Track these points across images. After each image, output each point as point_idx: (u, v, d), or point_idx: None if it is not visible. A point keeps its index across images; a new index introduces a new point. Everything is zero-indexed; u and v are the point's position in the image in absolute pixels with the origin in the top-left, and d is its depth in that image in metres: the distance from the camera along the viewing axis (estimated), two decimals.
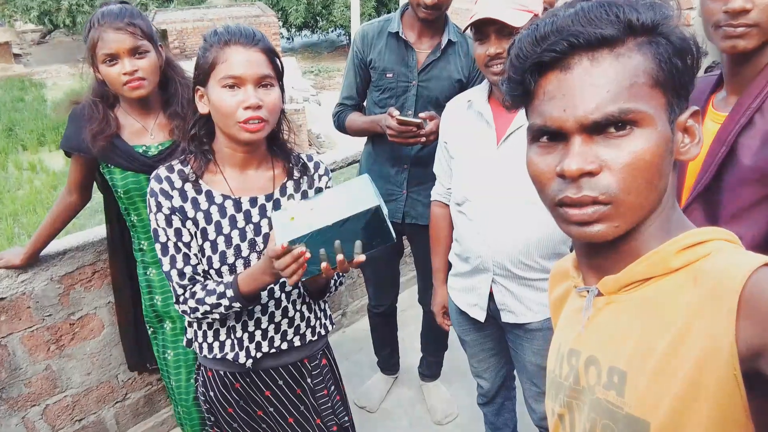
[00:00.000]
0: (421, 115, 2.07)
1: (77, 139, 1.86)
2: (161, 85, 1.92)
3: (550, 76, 0.74)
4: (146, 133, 1.90)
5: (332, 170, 3.10)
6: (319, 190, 1.58)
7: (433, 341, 2.86)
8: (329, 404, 1.71)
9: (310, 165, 1.59)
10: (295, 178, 1.56)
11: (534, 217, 1.63)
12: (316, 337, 1.65)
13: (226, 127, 1.39)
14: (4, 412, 2.21)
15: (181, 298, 1.47)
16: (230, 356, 1.56)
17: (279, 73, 1.44)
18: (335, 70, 20.56)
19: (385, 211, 1.28)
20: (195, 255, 1.48)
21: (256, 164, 1.51)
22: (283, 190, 1.54)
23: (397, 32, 2.20)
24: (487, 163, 1.74)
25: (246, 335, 1.55)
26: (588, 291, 0.84)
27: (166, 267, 1.47)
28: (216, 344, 1.57)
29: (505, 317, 1.84)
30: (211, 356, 1.58)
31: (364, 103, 2.44)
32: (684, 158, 0.77)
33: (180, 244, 1.46)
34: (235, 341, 1.56)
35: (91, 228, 2.46)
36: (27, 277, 2.15)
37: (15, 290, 2.13)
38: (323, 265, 1.30)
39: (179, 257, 1.46)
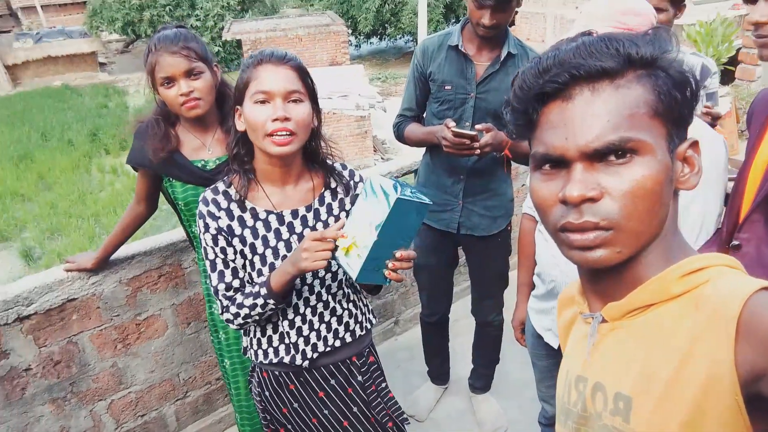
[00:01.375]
0: (478, 126, 2.08)
1: (141, 155, 1.98)
2: (218, 102, 2.01)
3: (552, 106, 0.76)
4: (204, 149, 2.00)
5: None
6: (355, 198, 1.63)
7: (486, 354, 2.85)
8: (379, 400, 1.76)
9: (345, 173, 1.66)
10: (332, 187, 1.63)
11: None
12: (364, 332, 1.73)
13: (257, 141, 1.46)
14: (74, 405, 2.37)
15: (225, 308, 1.57)
16: (287, 359, 1.63)
17: (311, 90, 1.50)
18: (402, 76, 20.66)
19: (407, 193, 1.31)
20: (242, 268, 1.57)
21: (294, 179, 1.58)
22: (321, 199, 1.61)
23: (457, 45, 2.23)
24: None
25: (301, 339, 1.63)
26: (593, 317, 0.86)
27: (214, 282, 1.57)
28: (270, 350, 1.65)
29: None
30: (266, 361, 1.66)
31: (424, 115, 2.48)
32: (683, 187, 0.78)
33: (228, 260, 1.55)
34: (291, 346, 1.63)
35: (168, 230, 2.59)
36: (97, 280, 2.31)
37: (86, 291, 2.29)
38: (386, 272, 1.37)
39: (228, 272, 1.56)
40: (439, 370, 3.00)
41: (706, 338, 0.69)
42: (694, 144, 0.79)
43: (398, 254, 1.36)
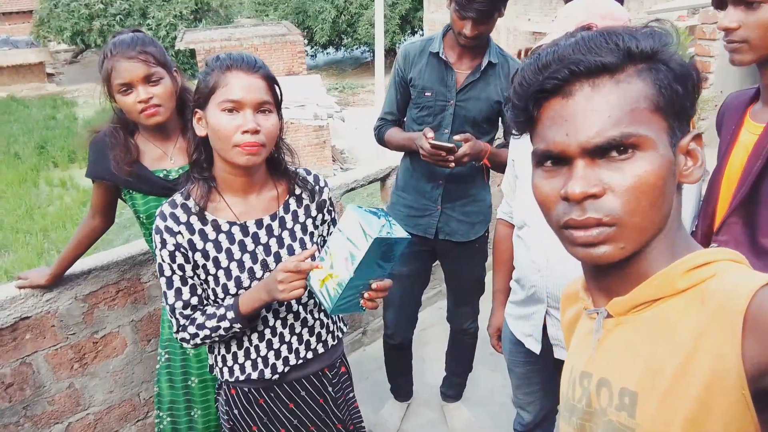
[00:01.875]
0: (456, 137, 2.07)
1: (101, 166, 1.88)
2: (179, 110, 1.93)
3: (552, 103, 0.76)
4: (166, 158, 1.92)
5: (353, 188, 3.12)
6: (321, 204, 1.61)
7: (460, 362, 2.82)
8: (346, 410, 1.74)
9: (310, 179, 1.61)
10: (296, 194, 1.58)
11: None
12: (336, 341, 1.69)
13: (223, 151, 1.40)
14: (28, 430, 2.23)
15: (181, 327, 1.51)
16: (254, 375, 1.57)
17: (278, 101, 1.45)
18: (359, 86, 20.72)
19: (382, 232, 1.29)
20: (199, 285, 1.51)
21: (257, 188, 1.52)
22: (286, 207, 1.56)
23: (438, 52, 2.21)
24: None
25: (272, 353, 1.57)
26: (598, 313, 0.85)
27: (171, 300, 1.49)
28: (236, 367, 1.58)
29: (558, 353, 1.77)
30: (232, 379, 1.59)
31: (404, 119, 2.46)
32: (687, 181, 0.78)
33: (186, 277, 1.49)
34: (260, 360, 1.57)
35: (119, 244, 2.49)
36: (52, 296, 2.19)
37: (40, 309, 2.17)
38: (362, 302, 1.40)
39: (186, 289, 1.49)
40: (402, 389, 2.93)
41: (712, 333, 0.69)
42: (697, 137, 0.78)
43: (375, 285, 1.36)
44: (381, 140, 2.46)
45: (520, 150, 1.85)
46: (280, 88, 1.46)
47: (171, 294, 1.49)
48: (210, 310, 1.49)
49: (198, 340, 1.50)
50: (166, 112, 1.85)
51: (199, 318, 1.49)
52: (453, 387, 2.90)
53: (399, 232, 1.33)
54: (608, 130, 0.72)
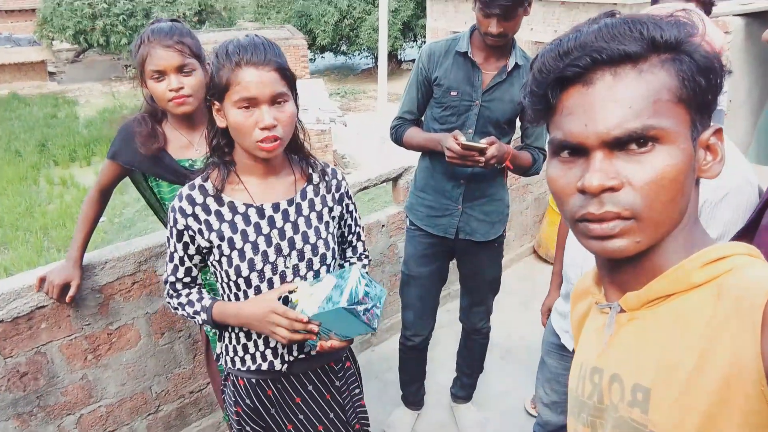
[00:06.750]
0: (483, 141, 2.06)
1: (123, 152, 1.91)
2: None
3: (572, 91, 0.74)
4: (191, 147, 1.93)
5: (366, 187, 3.11)
6: (340, 198, 1.66)
7: (471, 362, 2.81)
8: (351, 406, 1.74)
9: (328, 171, 1.64)
10: (314, 182, 1.60)
11: None
12: None
13: (243, 144, 1.44)
14: (41, 420, 2.22)
15: (169, 295, 1.62)
16: (264, 366, 1.58)
17: (292, 85, 1.46)
18: (361, 92, 20.76)
19: (362, 307, 1.40)
20: (195, 266, 1.59)
21: (276, 172, 1.55)
22: (303, 194, 1.57)
23: (466, 52, 2.21)
24: None
25: (279, 344, 1.58)
26: (610, 308, 0.84)
27: (168, 270, 1.59)
28: (248, 357, 1.60)
29: None
30: (244, 368, 1.60)
31: (422, 118, 2.45)
32: (706, 176, 0.77)
33: (185, 258, 1.56)
34: (269, 351, 1.58)
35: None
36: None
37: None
38: (320, 343, 1.51)
39: (182, 269, 1.58)
40: (414, 396, 2.90)
41: (729, 328, 0.67)
42: (718, 131, 0.77)
43: (328, 345, 1.49)
44: (398, 139, 2.44)
45: None
46: (292, 74, 1.46)
47: (170, 267, 1.58)
48: (194, 296, 1.59)
49: (179, 312, 1.61)
50: (194, 103, 1.87)
51: (183, 299, 1.60)
52: (463, 388, 2.89)
53: (371, 320, 1.43)
54: (629, 122, 0.70)
